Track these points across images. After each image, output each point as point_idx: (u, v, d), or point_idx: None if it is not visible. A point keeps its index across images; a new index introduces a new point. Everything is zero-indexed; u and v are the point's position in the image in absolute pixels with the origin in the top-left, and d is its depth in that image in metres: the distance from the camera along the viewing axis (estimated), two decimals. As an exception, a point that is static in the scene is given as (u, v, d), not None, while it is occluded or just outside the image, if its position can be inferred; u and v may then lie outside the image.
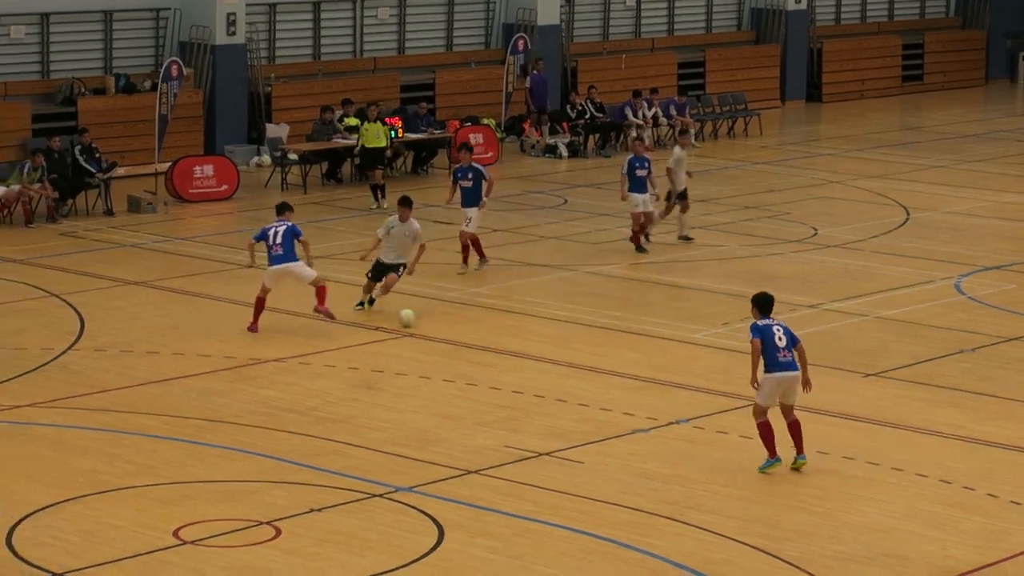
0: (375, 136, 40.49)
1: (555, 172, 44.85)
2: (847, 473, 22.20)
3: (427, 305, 29.63)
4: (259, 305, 28.41)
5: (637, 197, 34.13)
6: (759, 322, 22.00)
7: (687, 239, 35.27)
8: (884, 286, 32.30)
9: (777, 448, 21.63)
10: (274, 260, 28.19)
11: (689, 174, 35.67)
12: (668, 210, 35.49)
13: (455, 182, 33.32)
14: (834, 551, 19.43)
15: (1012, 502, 21.26)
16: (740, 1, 56.71)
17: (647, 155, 34.88)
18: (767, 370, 21.72)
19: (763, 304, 22.17)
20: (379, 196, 39.60)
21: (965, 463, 22.65)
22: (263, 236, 28.36)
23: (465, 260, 33.05)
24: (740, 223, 38.00)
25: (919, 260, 33.68)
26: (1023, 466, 22.60)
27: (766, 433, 21.72)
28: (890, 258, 34.33)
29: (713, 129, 50.90)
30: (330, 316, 28.45)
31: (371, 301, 29.54)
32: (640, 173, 34.13)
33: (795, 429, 21.82)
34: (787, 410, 21.84)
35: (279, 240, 28.07)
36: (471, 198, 33.01)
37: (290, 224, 28.42)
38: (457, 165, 34.45)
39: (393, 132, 43.01)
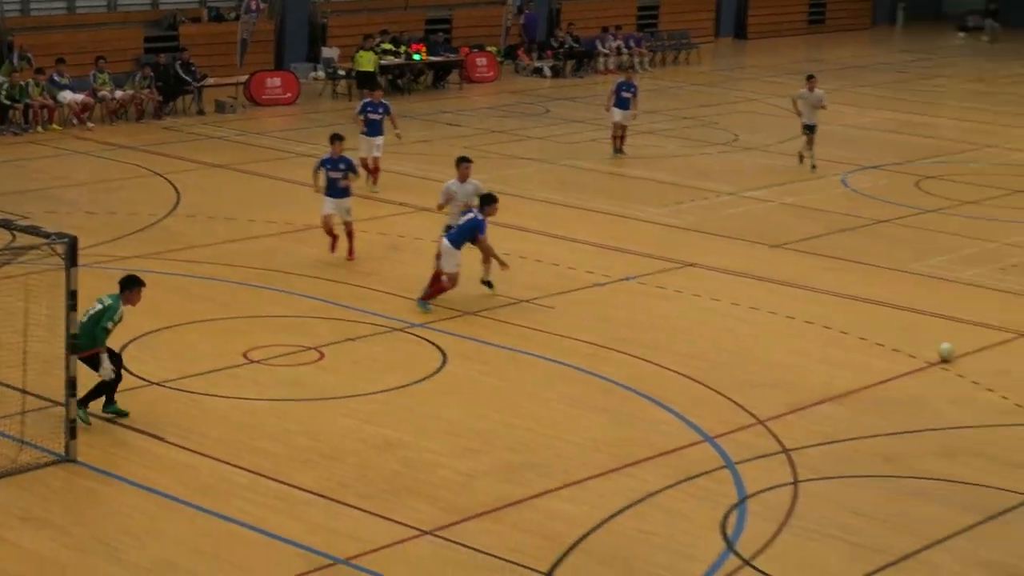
0: (367, 62, 40.01)
1: (541, 88, 44.66)
2: (753, 320, 22.28)
3: (434, 188, 29.46)
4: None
5: (617, 112, 33.75)
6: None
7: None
8: (787, 179, 32.25)
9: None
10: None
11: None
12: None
13: (364, 113, 29.48)
14: (745, 380, 19.51)
15: (877, 344, 21.34)
16: (687, -40, 56.53)
17: (634, 82, 34.39)
18: None
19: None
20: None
21: (843, 314, 22.71)
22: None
23: (375, 181, 29.96)
24: (680, 130, 37.88)
25: (816, 160, 33.45)
26: (887, 317, 22.68)
27: None
28: (792, 158, 34.14)
29: (663, 58, 50.66)
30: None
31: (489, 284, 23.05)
32: (626, 95, 33.62)
33: None
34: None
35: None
36: (378, 128, 29.71)
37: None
38: (368, 99, 30.50)
39: (418, 55, 42.91)
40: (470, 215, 22.14)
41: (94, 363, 16.90)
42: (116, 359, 17.29)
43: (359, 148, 29.44)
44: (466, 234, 21.78)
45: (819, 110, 32.97)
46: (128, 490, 15.76)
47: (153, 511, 15.27)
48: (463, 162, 23.29)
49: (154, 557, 14.24)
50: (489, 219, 22.27)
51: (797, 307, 22.95)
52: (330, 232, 24.50)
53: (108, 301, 16.99)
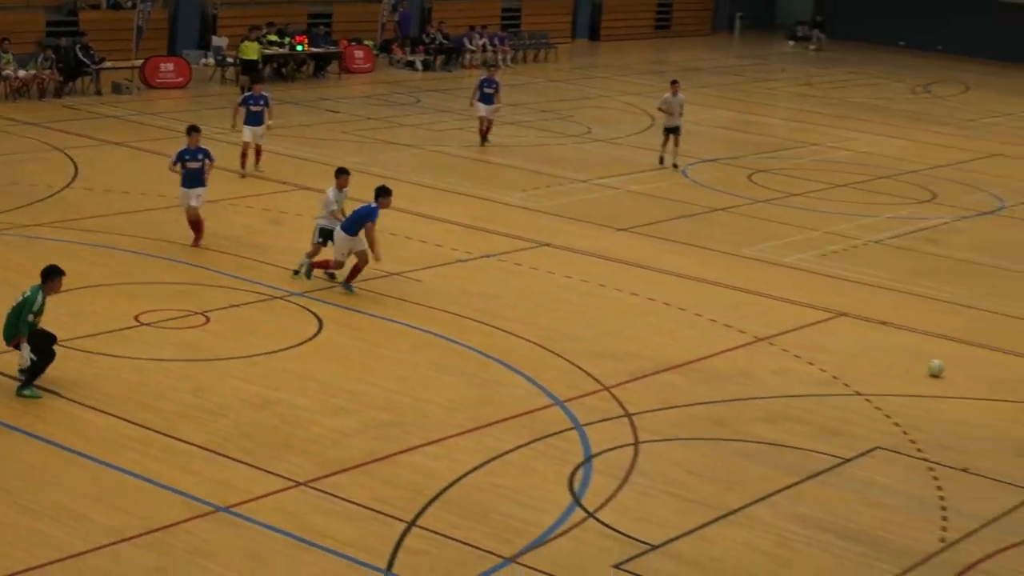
0: (251, 51, 39.42)
1: (412, 80, 44.47)
2: (601, 295, 22.43)
3: (315, 169, 29.31)
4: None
5: (481, 107, 33.59)
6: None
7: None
8: (634, 169, 32.45)
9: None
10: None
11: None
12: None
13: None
14: (592, 350, 19.65)
15: (711, 320, 21.58)
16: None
17: (496, 79, 34.18)
18: None
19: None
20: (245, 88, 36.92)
21: (682, 292, 22.94)
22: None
23: (258, 163, 29.12)
24: (538, 122, 37.92)
25: (658, 152, 33.69)
26: (720, 296, 22.94)
27: None
28: (639, 150, 34.43)
29: (524, 56, 50.66)
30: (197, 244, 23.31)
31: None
32: (488, 91, 33.46)
33: None
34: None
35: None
36: (259, 118, 28.90)
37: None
38: (250, 92, 29.52)
39: (301, 47, 42.57)
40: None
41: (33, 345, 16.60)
42: (51, 339, 16.91)
43: (242, 134, 28.94)
44: (359, 221, 21.50)
45: (680, 114, 32.56)
46: (26, 441, 15.54)
47: (49, 461, 15.09)
48: (342, 173, 22.61)
49: (50, 502, 14.08)
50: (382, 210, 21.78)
51: (641, 285, 23.12)
52: (192, 223, 23.46)
53: (28, 293, 16.65)
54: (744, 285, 23.60)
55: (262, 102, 29.12)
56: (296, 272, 21.89)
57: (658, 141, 33.16)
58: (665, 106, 32.59)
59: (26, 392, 16.60)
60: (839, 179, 33.00)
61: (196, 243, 23.34)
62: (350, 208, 22.12)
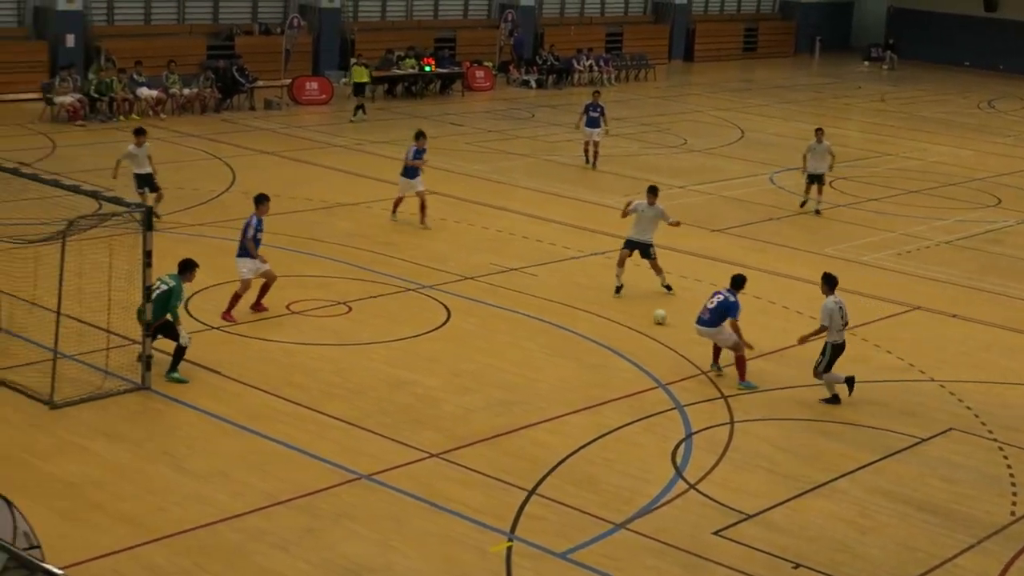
0: (361, 75, 39.11)
1: (527, 97, 44.36)
2: (697, 290, 22.10)
3: (441, 176, 29.32)
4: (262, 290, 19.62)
5: (587, 130, 32.25)
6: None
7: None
8: (726, 176, 32.11)
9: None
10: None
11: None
12: None
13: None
14: (691, 338, 19.16)
15: (798, 312, 21.25)
16: (646, -3, 56.16)
17: (600, 102, 32.59)
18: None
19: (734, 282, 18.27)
20: (358, 111, 37.20)
21: (770, 287, 22.62)
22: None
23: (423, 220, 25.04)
24: (639, 134, 37.64)
25: (748, 162, 33.41)
26: (805, 290, 22.52)
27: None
28: (731, 159, 34.07)
29: (626, 75, 50.36)
30: (231, 320, 18.92)
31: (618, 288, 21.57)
32: (593, 114, 32.12)
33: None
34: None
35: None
36: (416, 171, 25.14)
37: (253, 219, 19.27)
38: (415, 146, 25.34)
39: (428, 67, 42.61)
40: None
41: (165, 331, 16.64)
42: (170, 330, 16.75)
43: (399, 187, 25.43)
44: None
45: (826, 160, 28.39)
46: (191, 413, 15.66)
47: (210, 431, 15.18)
48: (653, 192, 21.60)
49: (210, 467, 14.17)
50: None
51: (728, 280, 22.76)
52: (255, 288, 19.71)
53: (172, 283, 16.64)
54: (827, 281, 23.19)
55: (423, 154, 25.38)
56: None
57: (754, 155, 32.70)
58: (809, 152, 28.48)
59: (175, 375, 16.62)
60: (911, 186, 32.40)
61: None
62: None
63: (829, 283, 17.34)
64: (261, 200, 19.49)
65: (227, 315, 18.99)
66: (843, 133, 40.74)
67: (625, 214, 21.87)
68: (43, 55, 37.04)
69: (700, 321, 17.95)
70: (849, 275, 23.64)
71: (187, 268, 16.99)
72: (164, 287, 16.62)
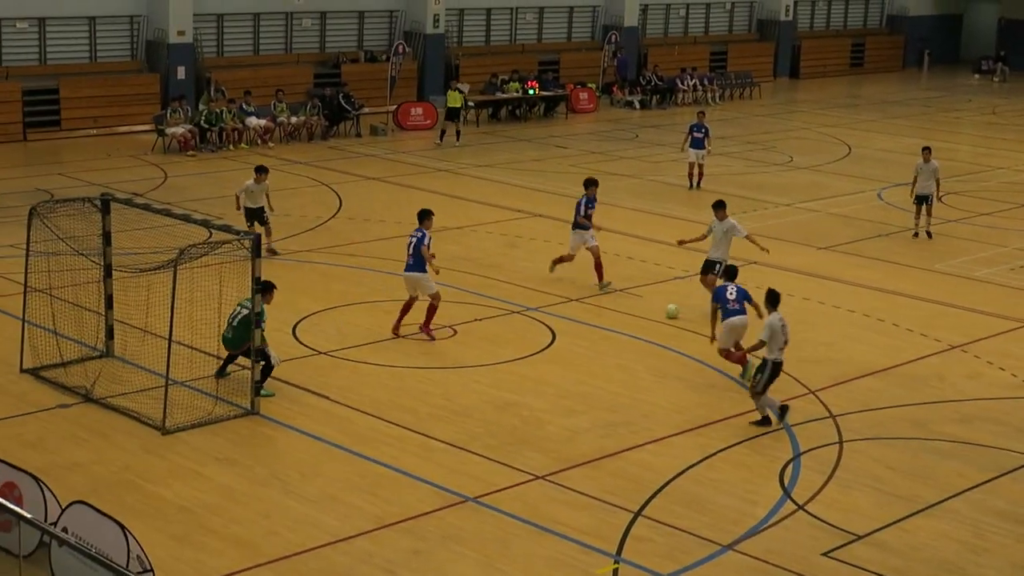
0: (453, 100, 38.95)
1: (631, 118, 44.29)
2: (805, 308, 21.94)
3: (546, 199, 29.33)
4: (406, 308, 19.80)
5: (692, 151, 31.95)
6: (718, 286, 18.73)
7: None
8: (833, 193, 31.77)
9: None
10: (405, 268, 19.69)
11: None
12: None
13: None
14: (799, 357, 19.06)
15: (907, 329, 20.95)
16: (750, 13, 55.59)
17: (705, 123, 32.32)
18: (723, 318, 18.24)
19: (727, 273, 18.77)
20: (446, 134, 37.21)
21: (879, 304, 22.34)
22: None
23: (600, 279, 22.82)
24: (744, 152, 37.40)
25: (856, 178, 33.04)
26: (915, 307, 22.27)
27: (729, 357, 18.38)
28: (838, 176, 33.72)
29: (730, 94, 50.10)
30: (430, 337, 19.60)
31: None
32: (697, 135, 31.83)
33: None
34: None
35: (410, 251, 19.56)
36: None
37: (422, 233, 19.58)
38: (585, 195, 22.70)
39: (532, 90, 42.74)
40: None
41: (247, 354, 16.76)
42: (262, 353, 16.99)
43: (569, 243, 23.09)
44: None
45: (933, 181, 27.29)
46: (299, 438, 15.83)
47: (319, 455, 15.34)
48: (720, 207, 21.53)
49: (319, 491, 14.31)
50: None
51: (840, 298, 22.60)
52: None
53: (258, 308, 16.56)
54: (937, 297, 22.87)
55: (594, 204, 22.97)
56: None
57: (862, 171, 32.25)
58: (918, 173, 27.46)
59: (264, 393, 16.83)
60: (1024, 199, 31.85)
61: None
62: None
63: (772, 300, 16.81)
64: (425, 215, 19.85)
65: (425, 328, 19.65)
66: (953, 147, 40.12)
67: (703, 237, 21.86)
68: (155, 87, 37.81)
69: (737, 312, 18.18)
70: (961, 291, 23.31)
71: (268, 289, 17.21)
72: (245, 311, 16.85)
